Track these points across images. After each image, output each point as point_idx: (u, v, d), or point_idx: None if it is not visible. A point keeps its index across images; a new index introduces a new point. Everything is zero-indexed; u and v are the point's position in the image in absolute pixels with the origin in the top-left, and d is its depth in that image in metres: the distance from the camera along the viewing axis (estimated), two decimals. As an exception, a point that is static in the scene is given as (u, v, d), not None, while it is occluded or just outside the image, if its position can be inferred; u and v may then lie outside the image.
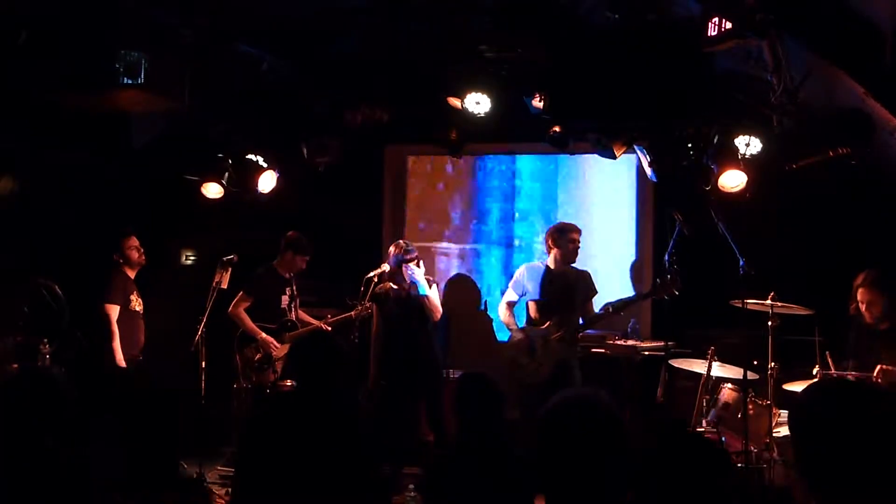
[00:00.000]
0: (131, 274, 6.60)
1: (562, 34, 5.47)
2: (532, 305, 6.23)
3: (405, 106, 6.61)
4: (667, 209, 5.80)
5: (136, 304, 6.58)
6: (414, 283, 6.25)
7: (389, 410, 6.33)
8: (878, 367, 4.95)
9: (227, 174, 6.67)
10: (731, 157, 5.66)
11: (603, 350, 6.59)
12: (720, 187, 5.69)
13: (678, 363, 5.77)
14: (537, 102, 5.83)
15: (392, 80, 6.37)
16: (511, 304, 6.30)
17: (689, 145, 5.75)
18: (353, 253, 7.36)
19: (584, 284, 6.19)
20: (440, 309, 6.36)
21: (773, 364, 5.26)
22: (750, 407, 5.24)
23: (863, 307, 5.14)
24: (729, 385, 5.51)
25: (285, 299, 6.61)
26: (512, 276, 6.48)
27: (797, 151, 5.59)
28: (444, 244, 8.01)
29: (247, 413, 6.10)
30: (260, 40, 5.86)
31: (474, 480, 3.45)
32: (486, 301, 7.70)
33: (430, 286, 6.33)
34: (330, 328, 6.40)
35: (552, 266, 6.18)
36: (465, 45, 5.77)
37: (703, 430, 5.50)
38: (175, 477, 6.00)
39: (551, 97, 5.75)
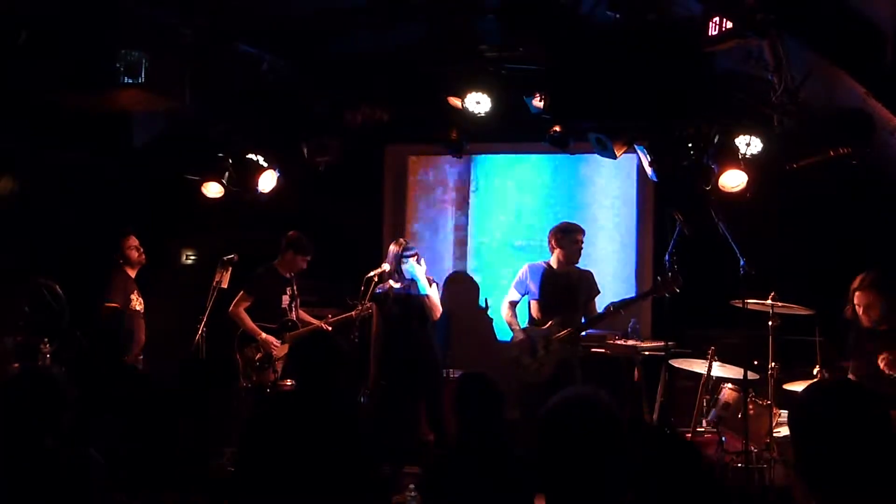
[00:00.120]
0: (132, 273, 6.61)
1: (562, 34, 5.47)
2: (534, 305, 6.22)
3: (405, 106, 6.62)
4: (667, 209, 5.79)
5: (137, 303, 6.58)
6: (413, 280, 6.25)
7: (389, 410, 6.34)
8: (884, 354, 4.80)
9: (227, 174, 6.67)
10: (731, 157, 5.66)
11: (603, 350, 6.58)
12: (720, 187, 5.68)
13: (678, 363, 5.77)
14: (537, 102, 5.83)
15: (392, 80, 6.38)
16: (513, 304, 6.29)
17: (690, 145, 5.74)
18: (353, 253, 7.37)
19: (587, 284, 6.19)
20: (440, 308, 6.36)
21: (773, 364, 5.26)
22: (750, 407, 5.23)
23: (860, 310, 5.02)
24: (729, 385, 5.51)
25: (286, 299, 6.61)
26: (515, 276, 6.48)
27: (797, 151, 5.58)
28: (444, 244, 8.00)
29: (247, 413, 6.09)
30: (260, 40, 5.86)
31: (474, 480, 3.45)
32: (486, 300, 7.68)
33: (431, 285, 6.34)
34: (330, 328, 6.40)
35: (555, 266, 6.17)
36: (465, 45, 5.76)
37: (703, 429, 5.51)
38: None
39: (551, 97, 5.75)
